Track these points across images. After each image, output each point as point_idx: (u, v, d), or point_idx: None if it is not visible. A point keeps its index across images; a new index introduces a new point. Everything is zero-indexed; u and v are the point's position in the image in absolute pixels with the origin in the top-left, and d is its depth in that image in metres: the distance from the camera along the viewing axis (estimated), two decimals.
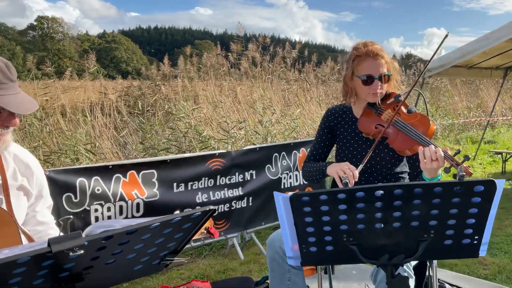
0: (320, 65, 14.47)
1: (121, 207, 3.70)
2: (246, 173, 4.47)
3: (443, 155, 2.03)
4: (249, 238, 4.55)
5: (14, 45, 56.05)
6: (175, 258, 1.22)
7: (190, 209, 1.15)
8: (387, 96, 2.38)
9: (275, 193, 1.30)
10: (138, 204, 3.78)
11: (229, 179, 4.36)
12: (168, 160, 4.03)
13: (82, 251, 0.93)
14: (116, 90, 10.56)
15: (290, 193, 1.27)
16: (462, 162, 1.99)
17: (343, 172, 2.16)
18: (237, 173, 4.41)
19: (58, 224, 1.16)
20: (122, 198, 3.68)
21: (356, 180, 2.15)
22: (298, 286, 2.23)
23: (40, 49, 57.44)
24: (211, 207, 1.16)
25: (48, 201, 1.80)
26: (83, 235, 0.94)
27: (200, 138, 6.90)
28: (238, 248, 4.35)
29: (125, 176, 3.73)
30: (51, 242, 0.93)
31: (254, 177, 4.52)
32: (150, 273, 1.38)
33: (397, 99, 2.28)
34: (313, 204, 1.31)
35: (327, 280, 2.47)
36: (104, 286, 1.17)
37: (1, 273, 0.93)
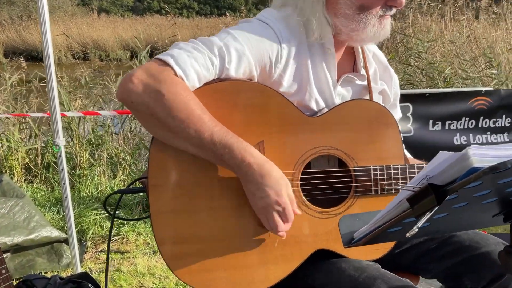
0: None
1: None
2: None
3: None
4: None
5: None
6: None
7: None
8: None
9: None
10: None
11: (494, 122, 3.77)
12: (427, 94, 3.66)
13: None
14: None
15: None
16: None
17: None
18: (504, 116, 3.77)
19: None
20: None
21: None
22: None
23: None
24: None
25: (398, 113, 1.54)
26: None
27: (443, 77, 6.24)
28: None
29: None
30: None
31: None
32: None
33: None
34: None
35: None
36: None
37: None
